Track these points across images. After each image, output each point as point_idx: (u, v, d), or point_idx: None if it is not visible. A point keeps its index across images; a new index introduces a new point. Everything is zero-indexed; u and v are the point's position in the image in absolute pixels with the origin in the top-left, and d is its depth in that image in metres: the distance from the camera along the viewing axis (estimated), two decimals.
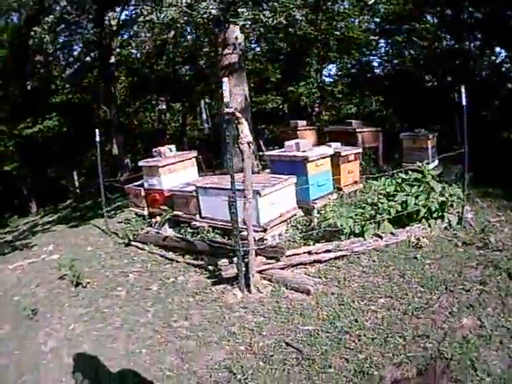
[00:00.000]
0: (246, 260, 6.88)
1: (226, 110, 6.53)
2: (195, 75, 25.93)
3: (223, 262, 7.27)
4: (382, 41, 24.64)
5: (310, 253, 7.36)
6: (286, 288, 6.80)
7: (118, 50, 23.49)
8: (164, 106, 27.95)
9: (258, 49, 27.12)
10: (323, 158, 9.66)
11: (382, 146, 14.10)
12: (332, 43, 23.82)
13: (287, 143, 10.05)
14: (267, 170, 12.33)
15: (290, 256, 7.28)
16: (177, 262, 8.77)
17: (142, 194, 11.37)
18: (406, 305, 5.92)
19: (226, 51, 13.03)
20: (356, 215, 8.07)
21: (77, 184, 26.86)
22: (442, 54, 21.08)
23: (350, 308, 6.01)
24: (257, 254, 7.07)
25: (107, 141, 23.45)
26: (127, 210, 12.73)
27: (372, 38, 24.25)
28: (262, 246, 7.24)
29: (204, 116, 12.64)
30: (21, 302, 8.47)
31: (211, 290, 7.26)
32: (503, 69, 20.12)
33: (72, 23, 17.47)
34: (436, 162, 11.98)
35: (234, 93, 13.05)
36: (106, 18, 17.68)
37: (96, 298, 7.90)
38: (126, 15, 20.83)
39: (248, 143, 6.57)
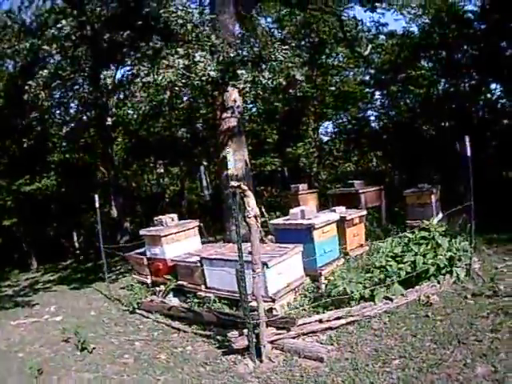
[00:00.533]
0: (256, 331, 6.94)
1: (232, 183, 6.71)
2: (192, 138, 26.02)
3: (233, 333, 7.29)
4: (377, 93, 25.18)
5: (320, 321, 7.41)
6: (299, 356, 6.78)
7: (114, 110, 23.66)
8: (162, 170, 28.19)
9: (254, 109, 27.22)
10: (329, 224, 9.80)
11: (384, 205, 14.27)
12: (328, 99, 24.23)
13: (292, 211, 10.19)
14: (270, 237, 12.51)
15: (300, 325, 7.33)
16: (184, 331, 8.76)
17: (145, 262, 11.48)
18: (420, 363, 5.93)
19: (225, 115, 13.10)
20: (365, 279, 8.14)
21: (76, 244, 26.77)
22: (438, 98, 21.48)
23: (365, 372, 6.00)
24: (267, 325, 7.12)
25: (106, 203, 23.47)
26: (129, 276, 12.91)
27: (367, 90, 24.72)
28: (272, 318, 7.30)
29: (204, 182, 12.71)
30: (25, 360, 8.49)
31: (221, 360, 7.25)
32: (499, 105, 20.50)
33: (67, 79, 17.43)
34: (440, 215, 11.96)
35: (234, 158, 12.51)
36: (102, 76, 17.77)
37: (103, 364, 7.87)
38: (122, 75, 21.41)
39: (255, 216, 6.74)
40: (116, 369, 7.66)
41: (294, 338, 7.26)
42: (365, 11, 16.40)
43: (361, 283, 7.99)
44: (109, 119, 21.90)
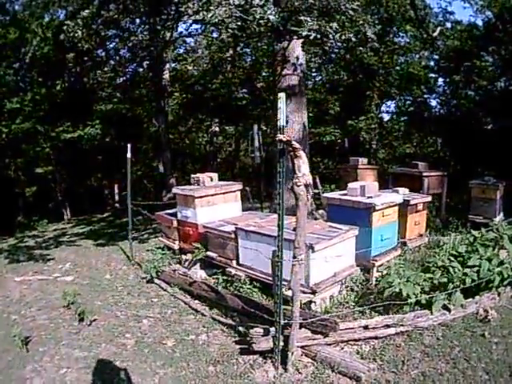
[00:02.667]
0: (285, 332, 5.64)
1: (280, 136, 5.06)
2: (252, 99, 25.49)
3: (257, 331, 5.94)
4: (440, 79, 25.60)
5: (366, 327, 6.13)
6: (332, 370, 5.52)
7: (172, 64, 23.91)
8: (217, 129, 27.57)
9: (318, 78, 27.42)
10: (391, 206, 8.52)
11: (445, 193, 13.33)
12: (392, 78, 24.25)
13: (351, 185, 8.85)
14: (321, 211, 11.69)
15: (342, 330, 6.02)
16: (202, 314, 7.59)
17: (174, 225, 10.33)
18: None
19: (286, 71, 12.16)
20: (424, 280, 6.90)
21: (117, 197, 26.40)
22: (501, 93, 21.60)
23: None
24: (301, 327, 5.81)
25: (154, 157, 23.25)
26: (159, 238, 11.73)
27: (431, 75, 25.15)
28: (309, 319, 5.89)
29: (256, 143, 11.87)
30: (16, 325, 7.57)
31: (237, 360, 6.02)
32: None
33: (111, 21, 16.98)
34: (501, 215, 11.34)
35: (292, 119, 12.27)
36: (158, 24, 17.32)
37: (98, 342, 6.84)
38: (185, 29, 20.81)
39: (306, 185, 5.22)
40: (111, 350, 6.58)
41: (330, 344, 5.99)
42: None
43: (419, 285, 6.79)
44: (166, 73, 21.54)
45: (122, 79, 24.25)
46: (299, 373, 5.58)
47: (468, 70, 22.11)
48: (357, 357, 5.81)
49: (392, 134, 27.17)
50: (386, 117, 28.53)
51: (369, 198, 8.27)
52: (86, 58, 21.12)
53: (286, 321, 5.53)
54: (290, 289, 5.64)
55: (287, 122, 11.78)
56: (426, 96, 25.94)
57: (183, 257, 10.00)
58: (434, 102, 26.73)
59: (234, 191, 10.22)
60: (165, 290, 8.93)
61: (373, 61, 22.53)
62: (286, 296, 5.85)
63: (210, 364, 5.98)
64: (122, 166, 22.31)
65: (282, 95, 5.06)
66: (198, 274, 9.29)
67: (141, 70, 23.28)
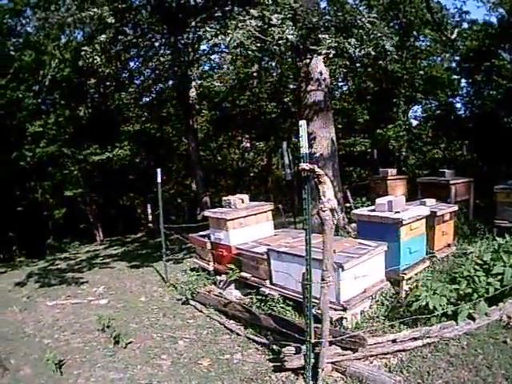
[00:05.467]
0: (316, 349, 6.02)
1: (303, 165, 5.47)
2: (280, 113, 25.78)
3: (289, 349, 6.38)
4: (463, 80, 26.12)
5: (394, 341, 6.48)
6: None
7: (198, 81, 23.77)
8: (248, 144, 28.05)
9: (345, 88, 27.96)
10: (418, 220, 8.81)
11: (473, 199, 13.54)
12: (417, 83, 24.52)
13: (378, 201, 9.17)
14: (353, 225, 11.88)
15: (371, 345, 6.38)
16: (237, 334, 8.00)
17: (208, 247, 10.81)
18: None
19: (310, 87, 12.52)
20: (450, 291, 7.17)
21: (150, 217, 26.82)
22: None
23: None
24: (331, 343, 6.21)
25: (187, 175, 23.38)
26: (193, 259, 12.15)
27: (454, 77, 25.69)
28: (338, 337, 6.30)
29: (286, 160, 12.08)
30: (49, 348, 7.99)
31: (270, 377, 6.42)
32: None
33: (130, 45, 17.49)
34: None
35: (320, 135, 12.67)
36: (180, 43, 17.66)
37: (134, 364, 7.25)
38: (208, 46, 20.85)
39: (331, 210, 5.58)
40: (147, 371, 7.00)
41: (360, 359, 6.35)
42: None
43: (445, 296, 7.06)
44: (192, 91, 21.86)
45: (147, 99, 24.71)
46: None
47: (488, 70, 22.60)
48: (385, 370, 6.13)
49: (421, 140, 27.47)
50: (414, 122, 29.04)
51: (396, 212, 8.56)
52: (108, 83, 21.70)
53: (316, 339, 5.91)
54: (319, 309, 6.03)
55: (315, 139, 12.34)
56: (450, 99, 26.61)
57: (218, 278, 10.43)
58: (458, 105, 27.34)
59: (266, 211, 10.65)
60: (200, 311, 9.31)
61: (396, 68, 23.08)
62: (317, 314, 6.23)
63: (244, 382, 6.39)
64: (154, 185, 23.02)
65: (302, 122, 5.45)
66: (233, 294, 9.71)
67: (167, 88, 23.69)
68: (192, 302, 9.77)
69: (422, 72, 24.81)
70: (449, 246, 10.10)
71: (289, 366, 6.27)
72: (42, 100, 22.59)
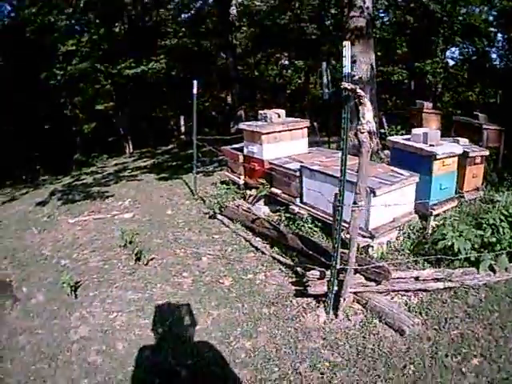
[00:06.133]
0: (340, 276, 5.91)
1: (345, 84, 5.16)
2: (320, 35, 25.79)
3: (313, 274, 6.22)
4: (499, 35, 26.40)
5: (417, 279, 6.36)
6: (380, 320, 5.82)
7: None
8: (286, 62, 28.31)
9: (385, 19, 28.37)
10: (451, 156, 8.60)
11: (503, 148, 13.17)
12: (456, 27, 24.75)
13: (414, 131, 8.97)
14: (386, 152, 12.03)
15: (393, 279, 6.26)
16: (262, 253, 7.92)
17: (240, 160, 10.71)
18: (495, 372, 5.01)
19: (353, 13, 12.76)
20: (475, 237, 7.01)
21: (183, 129, 26.77)
22: None
23: (441, 366, 5.07)
24: (355, 272, 6.07)
25: (223, 89, 24.21)
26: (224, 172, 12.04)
27: (491, 29, 25.83)
28: (364, 266, 6.13)
29: (325, 80, 11.96)
30: (66, 269, 7.96)
31: (291, 302, 6.37)
32: None
33: None
34: None
35: (360, 60, 13.08)
36: None
37: (154, 282, 7.22)
38: None
39: (369, 132, 5.30)
40: (167, 290, 6.97)
41: (381, 293, 6.28)
42: None
43: (470, 240, 6.92)
44: (233, 8, 22.23)
45: (186, 15, 25.16)
46: (348, 320, 5.87)
47: None
48: (405, 308, 6.05)
49: (456, 80, 27.93)
50: (451, 62, 29.48)
51: (431, 145, 8.37)
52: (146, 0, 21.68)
53: (341, 266, 5.76)
54: (348, 233, 5.88)
55: (355, 62, 12.64)
56: (486, 48, 26.83)
57: (248, 192, 10.37)
58: (494, 55, 27.74)
59: (301, 128, 10.44)
60: (227, 226, 9.24)
61: (437, 8, 22.98)
62: (344, 239, 6.13)
63: (264, 305, 6.32)
64: (189, 98, 23.14)
65: (346, 43, 5.21)
66: (262, 210, 9.62)
67: (206, 6, 24.07)
68: (219, 217, 9.71)
69: (460, 18, 24.82)
70: (477, 189, 9.90)
71: (311, 292, 6.15)
72: (76, 21, 22.45)
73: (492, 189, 9.95)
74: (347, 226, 5.92)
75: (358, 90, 5.22)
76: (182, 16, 25.10)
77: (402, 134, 12.19)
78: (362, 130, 5.24)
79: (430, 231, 8.05)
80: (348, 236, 5.95)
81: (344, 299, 5.90)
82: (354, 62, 12.68)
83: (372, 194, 7.00)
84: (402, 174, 7.88)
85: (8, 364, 5.69)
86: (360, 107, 5.31)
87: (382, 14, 27.59)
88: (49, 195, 13.93)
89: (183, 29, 25.35)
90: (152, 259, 7.95)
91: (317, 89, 29.11)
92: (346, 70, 5.23)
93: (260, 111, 10.82)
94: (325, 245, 7.13)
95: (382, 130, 14.64)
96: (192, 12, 24.42)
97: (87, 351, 5.73)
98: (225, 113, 25.48)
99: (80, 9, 20.67)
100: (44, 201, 13.24)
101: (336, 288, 5.92)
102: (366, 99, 5.33)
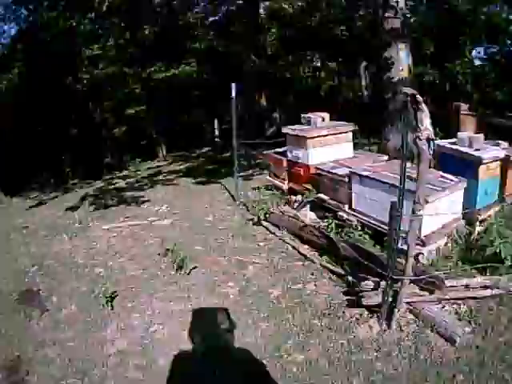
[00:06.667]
0: (395, 287, 5.80)
1: (405, 89, 5.11)
2: (350, 37, 25.89)
3: (367, 284, 6.16)
4: None
5: (467, 287, 6.27)
6: (431, 330, 5.70)
7: (268, 3, 24.81)
8: (319, 64, 28.58)
9: (412, 19, 27.84)
10: (496, 160, 8.49)
11: None
12: (481, 26, 24.74)
13: (460, 135, 8.87)
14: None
15: (445, 287, 6.15)
16: (311, 261, 7.75)
17: (284, 165, 10.68)
18: None
19: (388, 14, 12.46)
20: None
21: (217, 132, 26.88)
22: None
23: (489, 375, 4.96)
24: (410, 282, 5.95)
25: (255, 92, 24.34)
26: (266, 174, 12.03)
27: None
28: (419, 276, 6.00)
29: (363, 82, 11.86)
30: (101, 278, 7.88)
31: (344, 313, 6.20)
32: None
33: None
34: None
35: (399, 62, 12.43)
36: None
37: (197, 293, 7.05)
38: None
39: (428, 139, 5.14)
40: (212, 301, 6.81)
41: (433, 302, 6.16)
42: None
43: None
44: (261, 10, 23.16)
45: (215, 18, 25.39)
46: (401, 330, 5.75)
47: None
48: (455, 317, 5.95)
49: (485, 80, 27.03)
50: (477, 62, 28.73)
51: (476, 150, 8.27)
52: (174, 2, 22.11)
53: (398, 276, 5.64)
54: (406, 243, 5.72)
55: (393, 64, 12.17)
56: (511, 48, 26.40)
57: (292, 197, 10.27)
58: None
59: (347, 132, 10.40)
60: (273, 233, 9.09)
61: (464, 8, 23.49)
62: (398, 248, 6.00)
63: (315, 317, 6.16)
64: (221, 101, 23.17)
65: (402, 46, 5.16)
66: (308, 215, 9.48)
67: (233, 8, 24.48)
68: (264, 223, 9.59)
69: (482, 17, 24.58)
70: None
71: (365, 303, 6.04)
72: (100, 25, 22.65)
73: None
74: (403, 235, 5.80)
75: (418, 96, 5.12)
76: (210, 19, 25.43)
77: (442, 138, 12.16)
78: (421, 137, 5.11)
79: (475, 236, 7.96)
80: (401, 245, 5.87)
81: (398, 310, 5.79)
82: (392, 63, 12.35)
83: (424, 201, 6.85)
84: (451, 180, 7.79)
85: (35, 378, 5.53)
86: (418, 113, 5.17)
87: (409, 15, 27.61)
88: (80, 200, 13.94)
89: (212, 32, 25.71)
90: (194, 268, 7.82)
91: (348, 91, 29.57)
92: (402, 73, 5.13)
93: (303, 115, 10.74)
94: (378, 254, 7.00)
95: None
96: (219, 15, 24.88)
97: (125, 366, 5.57)
98: (259, 115, 25.53)
99: (102, 13, 20.73)
100: (75, 206, 13.23)
101: (390, 299, 5.81)
102: (424, 105, 5.20)
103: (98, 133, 25.68)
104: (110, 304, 6.85)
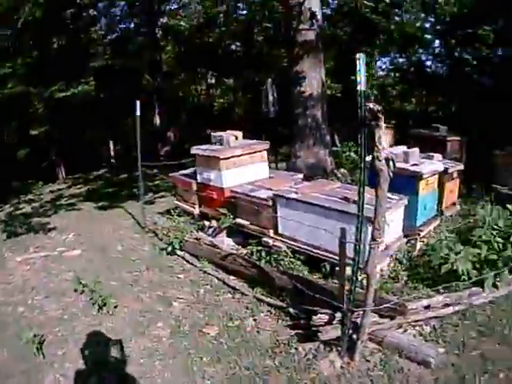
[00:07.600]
0: (351, 317, 5.36)
1: (370, 105, 4.61)
2: (247, 52, 26.18)
3: (321, 318, 5.59)
4: (437, 41, 26.53)
5: (427, 307, 6.06)
6: (400, 356, 5.39)
7: (165, 20, 25.76)
8: (213, 80, 29.20)
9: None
10: (434, 174, 8.55)
11: (465, 159, 13.18)
12: (394, 36, 25.11)
13: (393, 150, 8.69)
14: (342, 170, 12.42)
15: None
16: (242, 294, 7.19)
17: (194, 188, 10.20)
18: None
19: (302, 26, 12.50)
20: (474, 256, 6.98)
21: (112, 153, 27.10)
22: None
23: None
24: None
25: (149, 110, 24.13)
26: (169, 197, 12.08)
27: (427, 36, 26.09)
28: (381, 306, 5.59)
29: (270, 97, 11.68)
30: (24, 318, 7.10)
31: (296, 349, 5.69)
32: None
33: None
34: None
35: (310, 75, 12.90)
36: None
37: (127, 336, 6.31)
38: None
39: (387, 159, 4.73)
40: (145, 345, 6.10)
41: (394, 327, 5.90)
42: None
43: (470, 261, 6.91)
44: (158, 28, 23.71)
45: (114, 36, 25.52)
46: (367, 361, 5.37)
47: (466, 37, 22.23)
48: (420, 339, 5.80)
49: (387, 91, 28.09)
50: (381, 73, 29.80)
51: (413, 165, 8.23)
52: (84, 14, 22.28)
53: (358, 308, 5.25)
54: (365, 273, 5.28)
55: (305, 78, 12.64)
56: (420, 56, 27.30)
57: (206, 223, 9.79)
58: (428, 62, 27.95)
59: (261, 150, 10.04)
60: (191, 264, 8.54)
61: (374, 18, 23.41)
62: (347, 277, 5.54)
63: (265, 356, 5.62)
64: (118, 120, 22.59)
65: (360, 56, 4.61)
66: (225, 242, 9.00)
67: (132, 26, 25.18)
68: (179, 252, 8.97)
69: (392, 27, 25.04)
70: (454, 204, 10.19)
71: (323, 338, 5.56)
72: (13, 43, 21.92)
73: (466, 202, 10.42)
74: (352, 262, 5.28)
75: (378, 113, 4.68)
76: (109, 37, 25.49)
77: (356, 152, 12.01)
78: (380, 157, 4.67)
79: (416, 253, 7.94)
80: (348, 273, 5.43)
81: (361, 341, 5.36)
82: (303, 78, 12.61)
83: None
84: (392, 199, 7.40)
85: None
86: (376, 130, 4.73)
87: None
88: None
89: (109, 49, 25.57)
90: (116, 307, 7.09)
91: (241, 108, 29.75)
92: (362, 87, 4.61)
93: (213, 133, 10.29)
94: (321, 282, 6.64)
95: (334, 148, 14.79)
96: (118, 33, 25.07)
97: None
98: (153, 133, 25.24)
99: (17, 30, 19.96)
100: None
101: (350, 331, 5.40)
102: (383, 122, 4.75)
103: (4, 155, 24.69)
104: (41, 352, 6.09)
